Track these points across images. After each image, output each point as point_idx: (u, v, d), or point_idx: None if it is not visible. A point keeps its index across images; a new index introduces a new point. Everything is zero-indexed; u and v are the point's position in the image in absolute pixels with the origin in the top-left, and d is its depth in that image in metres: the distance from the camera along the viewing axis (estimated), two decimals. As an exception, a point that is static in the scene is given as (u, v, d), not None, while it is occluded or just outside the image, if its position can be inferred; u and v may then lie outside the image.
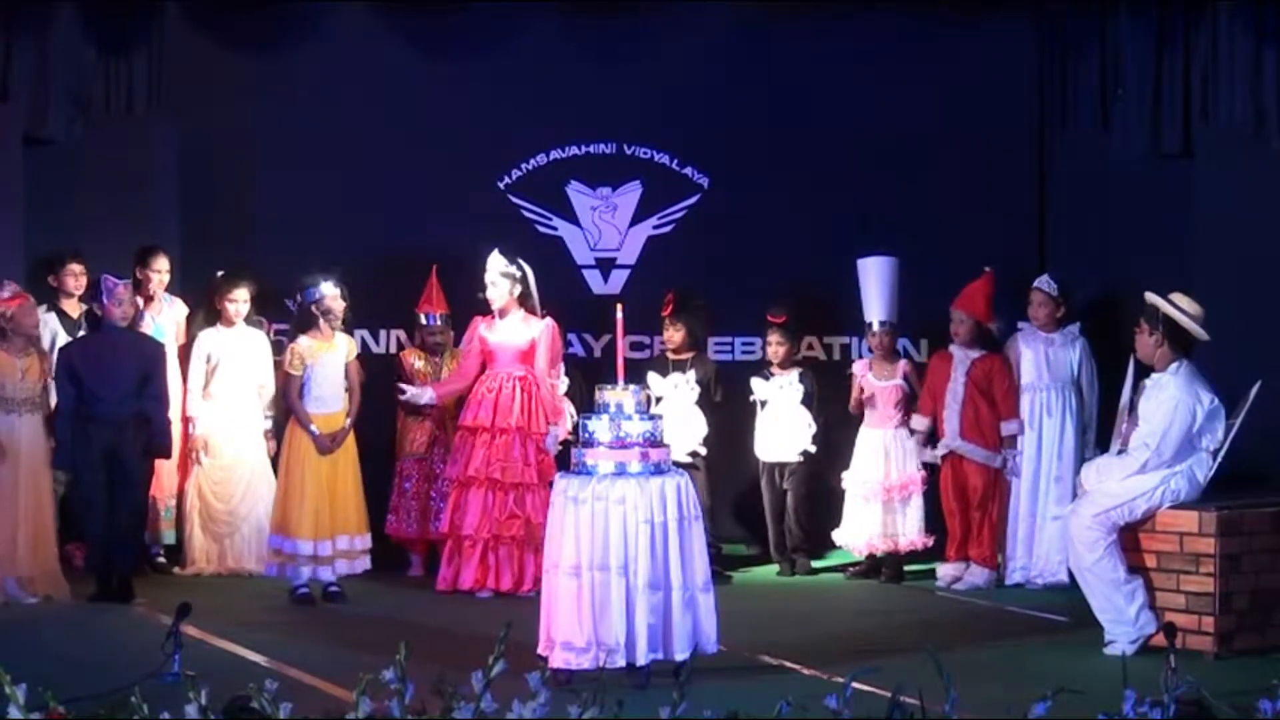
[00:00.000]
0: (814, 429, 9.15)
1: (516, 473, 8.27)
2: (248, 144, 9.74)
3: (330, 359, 8.16)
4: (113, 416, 8.06)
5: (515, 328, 8.39)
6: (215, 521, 8.96)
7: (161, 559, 9.11)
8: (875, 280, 9.05)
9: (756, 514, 9.36)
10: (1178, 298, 6.95)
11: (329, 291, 8.17)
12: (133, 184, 9.48)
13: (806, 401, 9.18)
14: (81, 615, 7.79)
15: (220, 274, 9.09)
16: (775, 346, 9.22)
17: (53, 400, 8.24)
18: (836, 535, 9.20)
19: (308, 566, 8.00)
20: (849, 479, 9.13)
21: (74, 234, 9.16)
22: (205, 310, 9.13)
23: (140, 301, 8.96)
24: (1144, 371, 7.03)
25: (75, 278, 8.90)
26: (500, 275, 8.38)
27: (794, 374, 9.22)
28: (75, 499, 8.29)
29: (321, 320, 8.16)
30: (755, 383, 9.19)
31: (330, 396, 8.16)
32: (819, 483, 9.30)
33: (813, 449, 9.16)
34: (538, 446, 8.29)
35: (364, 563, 8.23)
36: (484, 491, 8.25)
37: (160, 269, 9.06)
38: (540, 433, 8.30)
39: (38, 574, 8.04)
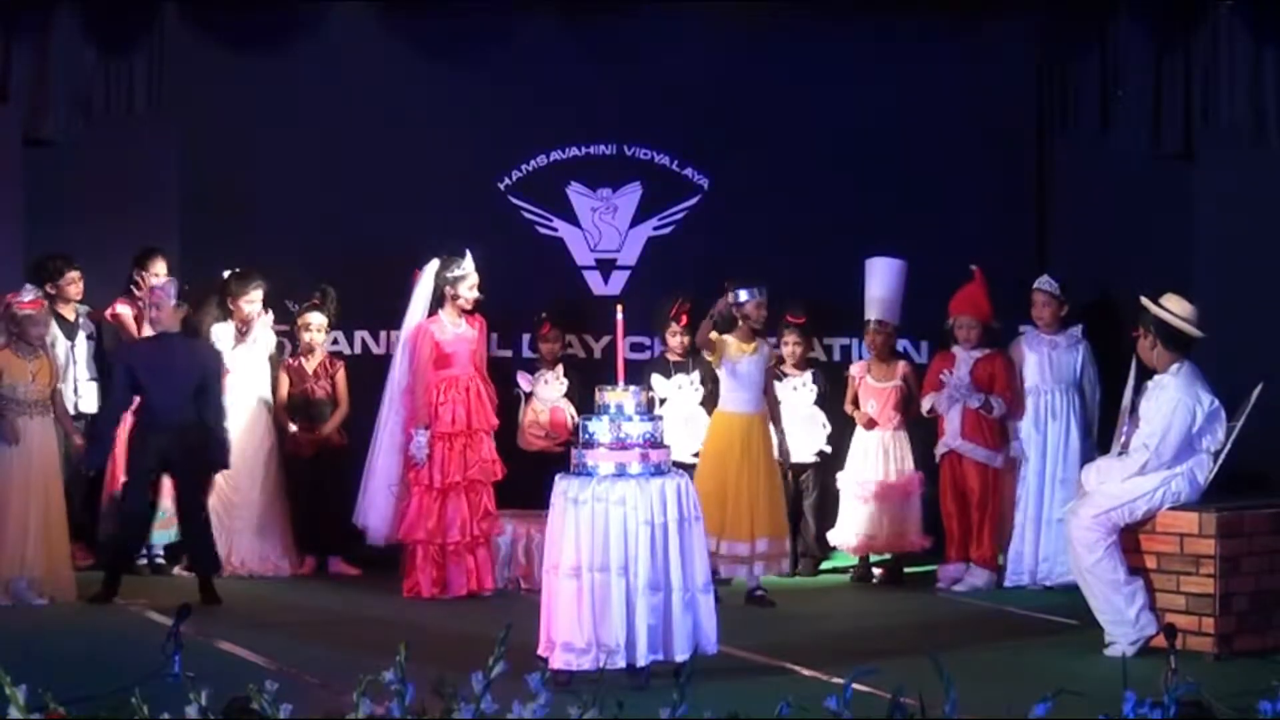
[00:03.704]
0: (828, 429, 9.15)
1: (490, 471, 8.35)
2: (248, 144, 9.73)
3: (751, 362, 8.21)
4: (169, 422, 8.04)
5: (463, 328, 8.44)
6: (233, 518, 8.95)
7: (161, 559, 9.10)
8: (875, 280, 9.07)
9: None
10: (1167, 299, 6.95)
11: (753, 298, 8.19)
12: (133, 184, 9.48)
13: (820, 402, 9.17)
14: (81, 615, 7.79)
15: (231, 273, 9.08)
16: (793, 347, 9.23)
17: (69, 403, 8.36)
18: (832, 535, 9.21)
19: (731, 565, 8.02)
20: (844, 479, 9.14)
21: (74, 235, 9.16)
22: (219, 309, 9.12)
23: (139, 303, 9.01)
24: (1147, 373, 7.03)
25: (76, 285, 8.90)
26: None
27: (807, 375, 9.22)
28: (123, 499, 8.34)
29: (741, 323, 8.19)
30: None
31: (753, 399, 8.22)
32: (829, 483, 9.29)
33: (828, 449, 9.16)
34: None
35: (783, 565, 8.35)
36: (460, 497, 8.28)
37: (158, 271, 9.05)
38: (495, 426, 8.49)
39: (49, 576, 8.05)
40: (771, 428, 8.29)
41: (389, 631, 7.05)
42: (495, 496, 8.44)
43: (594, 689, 4.50)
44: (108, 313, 9.08)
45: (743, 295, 8.21)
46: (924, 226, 9.62)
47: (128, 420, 8.32)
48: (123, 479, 8.43)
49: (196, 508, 8.27)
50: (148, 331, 8.80)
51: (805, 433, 9.14)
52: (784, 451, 8.47)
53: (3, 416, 7.99)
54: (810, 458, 9.19)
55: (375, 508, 8.48)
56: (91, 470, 8.43)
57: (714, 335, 8.12)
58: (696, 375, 9.07)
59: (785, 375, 9.21)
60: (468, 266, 8.36)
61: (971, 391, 8.71)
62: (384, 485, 8.45)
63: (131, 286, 9.05)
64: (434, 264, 8.41)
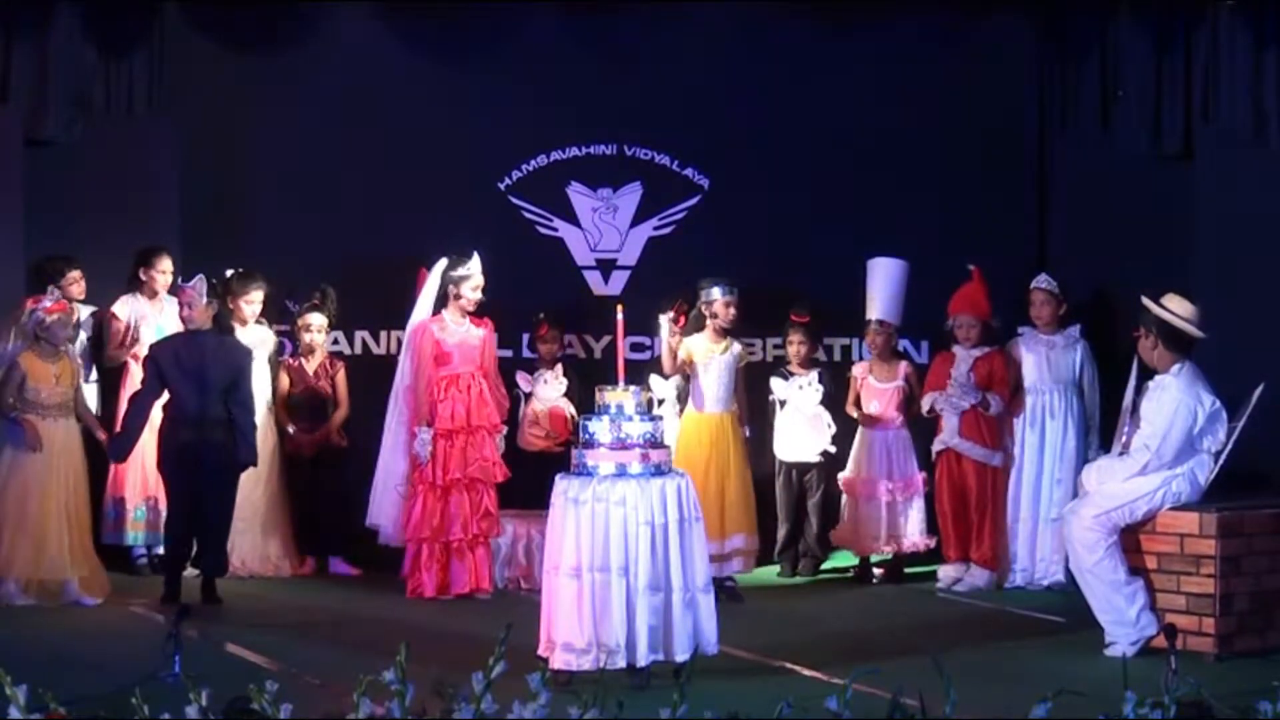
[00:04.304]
0: (834, 429, 9.15)
1: (491, 471, 8.35)
2: (248, 144, 9.72)
3: (721, 361, 8.40)
4: (197, 419, 8.04)
5: (466, 328, 8.43)
6: (235, 518, 8.93)
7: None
8: (876, 279, 9.08)
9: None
10: (1169, 299, 6.95)
11: (719, 296, 8.40)
12: (133, 184, 9.46)
13: (826, 402, 9.18)
14: (81, 615, 7.80)
15: (233, 273, 9.07)
16: (797, 346, 9.23)
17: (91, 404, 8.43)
18: (834, 536, 9.21)
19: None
20: (846, 479, 9.13)
21: (74, 235, 9.14)
22: (220, 309, 9.11)
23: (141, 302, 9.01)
24: (1147, 373, 7.03)
25: (77, 285, 8.89)
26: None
27: (813, 374, 9.21)
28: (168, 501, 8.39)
29: (710, 322, 8.39)
30: (774, 383, 9.19)
31: (723, 398, 8.43)
32: (832, 483, 9.27)
33: (833, 449, 9.16)
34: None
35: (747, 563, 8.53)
36: (461, 494, 8.28)
37: (165, 270, 9.04)
38: (499, 428, 8.48)
39: (77, 575, 8.07)
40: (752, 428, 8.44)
41: (389, 631, 7.06)
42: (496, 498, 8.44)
43: (594, 689, 4.51)
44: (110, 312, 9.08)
45: (715, 293, 8.36)
46: (924, 226, 9.62)
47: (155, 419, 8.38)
48: (161, 481, 8.44)
49: (218, 506, 8.25)
50: (157, 330, 8.82)
51: (810, 432, 9.14)
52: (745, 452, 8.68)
53: (26, 422, 8.01)
54: (814, 457, 9.18)
55: (387, 509, 8.49)
56: (118, 462, 8.45)
57: (682, 355, 8.38)
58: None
59: (791, 375, 9.21)
60: (473, 267, 8.38)
61: (971, 389, 8.71)
62: (392, 485, 8.45)
63: (135, 283, 9.05)
64: (442, 263, 8.43)
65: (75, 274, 8.88)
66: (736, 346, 8.51)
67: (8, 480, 8.06)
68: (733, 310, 8.46)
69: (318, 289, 9.23)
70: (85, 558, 8.14)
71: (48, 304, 8.16)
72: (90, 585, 8.08)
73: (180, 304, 8.33)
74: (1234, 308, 8.34)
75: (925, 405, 8.89)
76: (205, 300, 8.21)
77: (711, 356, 8.32)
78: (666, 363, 8.44)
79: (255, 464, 8.41)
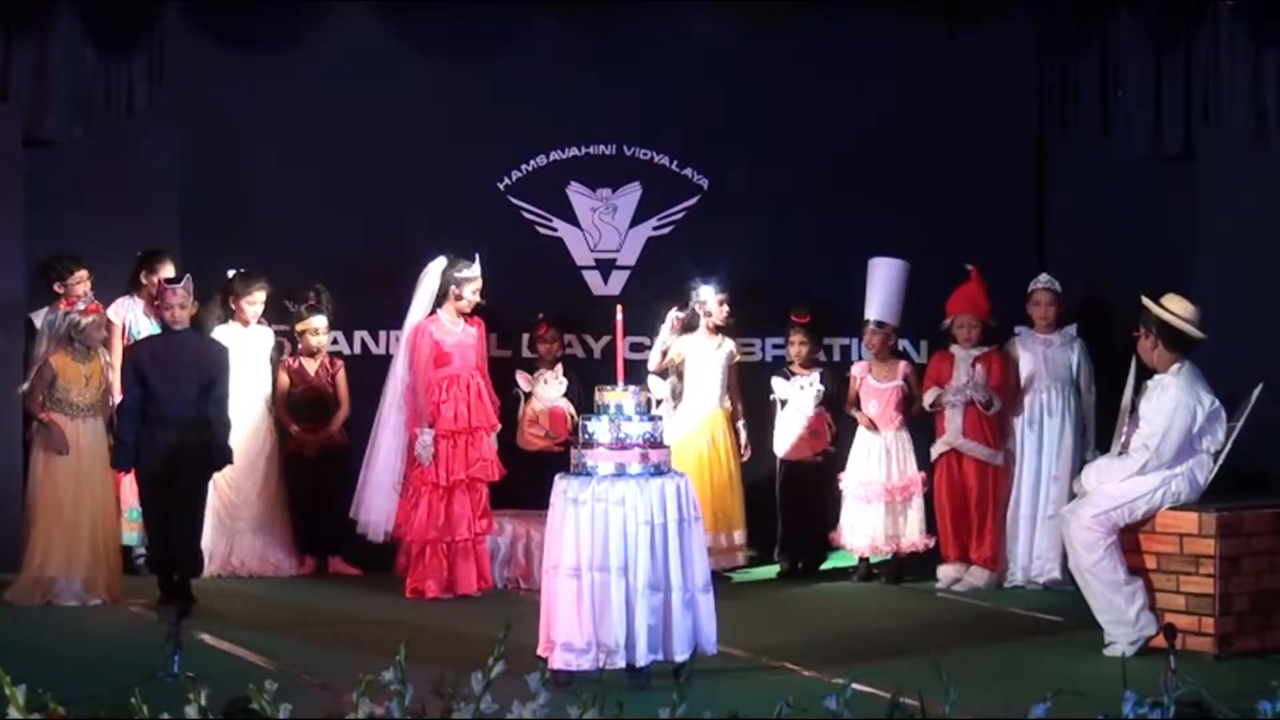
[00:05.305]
0: (834, 429, 9.16)
1: (490, 470, 8.38)
2: (248, 144, 9.73)
3: (714, 359, 8.77)
4: (175, 419, 8.01)
5: (463, 328, 8.45)
6: (234, 518, 8.94)
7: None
8: (876, 280, 9.08)
9: (754, 515, 9.32)
10: (1169, 299, 6.96)
11: (713, 295, 8.79)
12: (133, 184, 9.46)
13: (826, 402, 9.18)
14: (81, 615, 7.80)
15: (235, 273, 9.07)
16: (798, 346, 9.24)
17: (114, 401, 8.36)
18: (834, 536, 9.21)
19: None
20: (846, 479, 9.13)
21: (74, 235, 9.15)
22: (221, 308, 9.11)
23: (140, 304, 9.00)
24: (1147, 373, 7.03)
25: (84, 284, 8.88)
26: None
27: (815, 374, 9.22)
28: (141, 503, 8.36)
29: (705, 321, 8.75)
30: (776, 382, 9.20)
31: (717, 395, 8.86)
32: (832, 483, 9.28)
33: (833, 449, 9.16)
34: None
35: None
36: (464, 494, 8.29)
37: (168, 274, 9.02)
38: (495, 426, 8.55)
39: (102, 576, 8.08)
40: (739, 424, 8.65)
41: (389, 631, 7.06)
42: (493, 496, 8.46)
43: (594, 689, 4.51)
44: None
45: (707, 292, 8.64)
46: (924, 227, 9.62)
47: None
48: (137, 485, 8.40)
49: (193, 507, 8.22)
50: (141, 331, 8.82)
51: (809, 432, 9.14)
52: (744, 446, 9.04)
53: (52, 423, 8.02)
54: (815, 457, 9.18)
55: (374, 504, 8.49)
56: (123, 471, 8.36)
57: (673, 354, 8.78)
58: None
59: (792, 375, 9.22)
60: (475, 270, 8.39)
61: (983, 386, 8.71)
62: (386, 482, 8.45)
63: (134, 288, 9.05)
64: (439, 262, 8.43)
65: (82, 274, 8.86)
66: (730, 344, 8.60)
67: (42, 481, 8.09)
68: (726, 307, 8.72)
69: (312, 289, 9.21)
70: (108, 559, 8.14)
71: (82, 306, 8.19)
72: (97, 586, 8.06)
73: (166, 304, 8.26)
74: (1234, 308, 8.34)
75: (928, 400, 8.88)
76: (193, 301, 8.21)
77: (706, 355, 8.38)
78: (654, 358, 8.75)
79: (220, 468, 8.32)
